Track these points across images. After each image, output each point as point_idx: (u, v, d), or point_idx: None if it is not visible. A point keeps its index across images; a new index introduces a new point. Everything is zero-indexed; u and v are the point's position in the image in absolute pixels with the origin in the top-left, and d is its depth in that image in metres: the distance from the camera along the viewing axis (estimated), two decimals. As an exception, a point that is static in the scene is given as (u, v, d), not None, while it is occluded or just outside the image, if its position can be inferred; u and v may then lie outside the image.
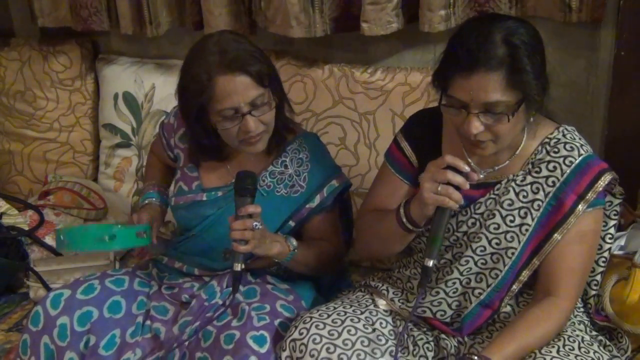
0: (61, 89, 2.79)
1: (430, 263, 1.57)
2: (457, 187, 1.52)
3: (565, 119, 1.70)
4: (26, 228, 2.42)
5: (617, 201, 1.69)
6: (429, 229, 1.59)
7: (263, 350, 1.61)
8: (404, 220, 1.62)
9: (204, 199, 1.89)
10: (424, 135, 1.73)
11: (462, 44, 1.49)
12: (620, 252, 1.85)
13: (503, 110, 1.47)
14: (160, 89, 2.62)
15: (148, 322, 1.80)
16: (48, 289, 2.20)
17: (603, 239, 1.70)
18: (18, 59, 2.83)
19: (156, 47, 2.74)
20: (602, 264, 1.72)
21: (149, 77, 2.67)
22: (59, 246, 1.89)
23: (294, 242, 1.81)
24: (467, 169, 1.52)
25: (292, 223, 1.88)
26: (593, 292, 1.73)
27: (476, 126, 1.49)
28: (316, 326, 1.59)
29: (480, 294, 1.66)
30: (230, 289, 1.84)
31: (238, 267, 1.69)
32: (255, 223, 1.67)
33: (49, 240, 2.42)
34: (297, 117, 2.30)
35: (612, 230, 1.71)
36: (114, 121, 2.72)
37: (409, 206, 1.61)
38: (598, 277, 1.72)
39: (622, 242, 1.87)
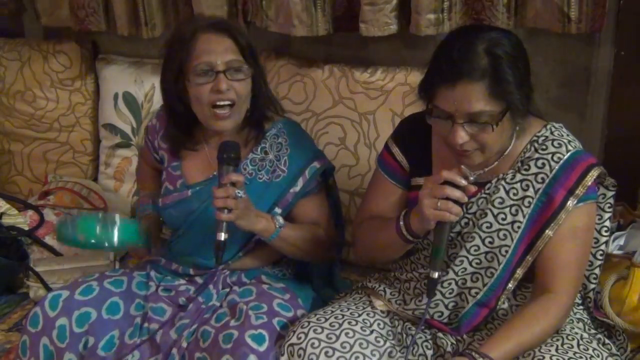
0: (61, 89, 2.80)
1: (436, 275, 1.57)
2: (456, 201, 1.53)
3: (565, 119, 1.70)
4: (26, 228, 2.42)
5: (610, 193, 1.70)
6: (431, 241, 1.60)
7: (262, 348, 1.61)
8: (404, 232, 1.63)
9: (189, 195, 1.90)
10: (414, 140, 1.74)
11: (445, 55, 1.51)
12: (620, 252, 1.86)
13: (487, 120, 1.49)
14: (160, 89, 2.63)
15: (146, 325, 1.80)
16: (48, 289, 2.20)
17: (599, 232, 1.71)
18: (18, 59, 2.83)
19: (156, 47, 2.71)
20: (600, 258, 1.72)
21: (149, 77, 2.67)
22: (62, 232, 1.88)
23: (281, 220, 1.81)
24: (464, 182, 1.52)
25: (278, 209, 1.87)
26: (592, 286, 1.73)
27: (461, 136, 1.50)
28: (314, 330, 1.60)
29: (476, 293, 1.67)
30: (227, 290, 1.85)
31: (222, 236, 1.69)
32: (237, 191, 1.68)
33: (49, 240, 2.42)
34: (297, 117, 2.31)
35: (607, 223, 1.71)
36: (114, 121, 2.72)
37: (409, 218, 1.62)
38: (597, 271, 1.72)
39: (621, 241, 1.87)
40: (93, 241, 1.88)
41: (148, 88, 2.66)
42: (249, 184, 1.84)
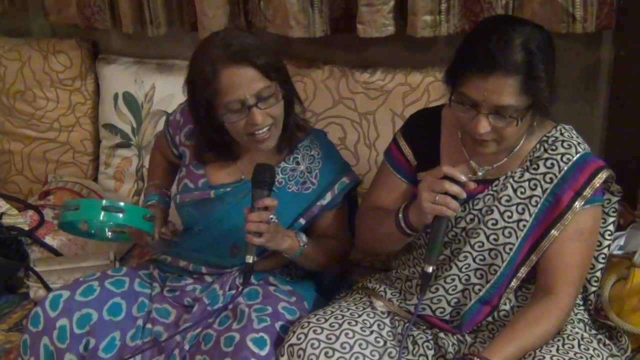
0: (61, 89, 2.79)
1: (430, 269, 1.59)
2: (455, 196, 1.53)
3: (565, 119, 1.70)
4: (26, 228, 2.42)
5: (615, 199, 1.71)
6: (428, 234, 1.60)
7: (263, 352, 1.61)
8: (403, 225, 1.64)
9: (212, 196, 1.88)
10: (423, 135, 1.75)
11: (482, 45, 1.50)
12: (620, 252, 1.86)
13: (512, 114, 1.50)
14: (160, 89, 2.62)
15: (149, 325, 1.80)
16: (48, 289, 2.20)
17: (602, 235, 1.72)
18: (18, 59, 2.83)
19: (156, 47, 2.74)
20: (602, 261, 1.73)
21: (149, 77, 2.67)
22: (65, 217, 1.84)
23: (304, 238, 1.81)
24: (463, 178, 1.54)
25: (302, 221, 1.88)
26: (593, 289, 1.74)
27: (484, 126, 1.51)
28: (314, 331, 1.60)
29: (479, 290, 1.67)
30: (233, 292, 1.84)
31: (250, 259, 1.68)
32: (271, 216, 1.67)
33: (49, 240, 2.42)
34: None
35: (611, 227, 1.73)
36: (114, 121, 2.72)
37: (408, 212, 1.63)
38: (598, 274, 1.74)
39: (621, 241, 1.87)
40: (98, 217, 1.84)
41: (148, 88, 2.66)
42: (277, 193, 1.82)
